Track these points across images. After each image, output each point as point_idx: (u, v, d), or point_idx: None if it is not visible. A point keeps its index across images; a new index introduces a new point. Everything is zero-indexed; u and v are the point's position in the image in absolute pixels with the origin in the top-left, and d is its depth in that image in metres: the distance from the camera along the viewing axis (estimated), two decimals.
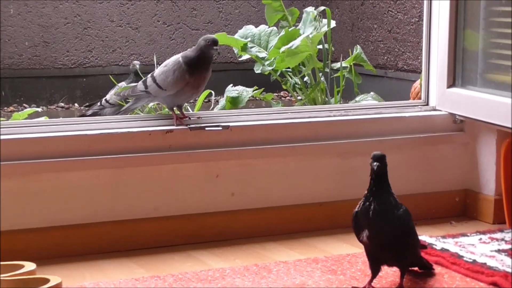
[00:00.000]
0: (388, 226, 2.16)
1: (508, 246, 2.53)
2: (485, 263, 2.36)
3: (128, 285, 2.26)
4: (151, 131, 2.65)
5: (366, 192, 2.20)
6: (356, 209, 2.21)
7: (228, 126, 2.72)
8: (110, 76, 4.29)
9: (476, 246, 2.54)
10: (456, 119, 2.94)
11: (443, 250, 2.48)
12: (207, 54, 2.67)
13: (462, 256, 2.42)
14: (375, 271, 2.22)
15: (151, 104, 3.62)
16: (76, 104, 4.89)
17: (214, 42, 2.65)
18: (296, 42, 3.67)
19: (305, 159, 2.81)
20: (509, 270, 2.31)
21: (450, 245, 2.53)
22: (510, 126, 2.70)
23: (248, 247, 2.61)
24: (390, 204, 2.19)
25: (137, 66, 4.30)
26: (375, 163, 2.18)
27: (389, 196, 2.20)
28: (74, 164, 2.55)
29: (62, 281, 2.04)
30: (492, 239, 2.61)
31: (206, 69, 2.70)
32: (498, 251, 2.49)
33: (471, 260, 2.39)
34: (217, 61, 5.26)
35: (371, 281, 2.22)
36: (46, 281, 2.01)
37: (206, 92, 3.62)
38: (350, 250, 2.56)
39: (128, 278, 2.32)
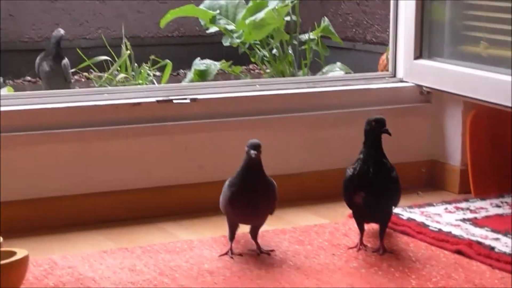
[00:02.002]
0: (386, 188, 2.27)
1: (473, 215, 2.57)
2: (450, 232, 2.39)
3: (96, 257, 2.26)
4: (118, 104, 2.64)
5: (361, 156, 2.28)
6: (351, 173, 2.28)
7: (196, 98, 2.72)
8: (78, 49, 4.25)
9: (442, 215, 2.57)
10: (423, 90, 2.96)
11: (409, 219, 2.50)
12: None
13: (428, 225, 2.45)
14: (362, 229, 2.33)
15: (119, 77, 3.61)
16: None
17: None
18: (260, 15, 3.66)
19: (273, 131, 2.82)
20: (473, 238, 2.34)
21: (416, 214, 2.56)
22: (476, 97, 2.73)
23: (216, 219, 2.60)
24: (387, 167, 2.27)
25: (61, 32, 3.97)
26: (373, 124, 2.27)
27: (384, 159, 2.29)
28: (41, 138, 2.54)
29: (29, 254, 2.03)
30: (457, 208, 2.64)
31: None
32: (463, 220, 2.52)
33: (436, 229, 2.42)
34: (185, 34, 5.23)
35: (361, 238, 2.32)
36: (13, 254, 2.00)
37: (169, 64, 3.62)
38: (317, 221, 2.58)
39: (96, 250, 2.32)
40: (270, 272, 2.16)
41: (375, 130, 2.28)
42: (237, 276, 2.13)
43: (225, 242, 2.38)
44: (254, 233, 2.31)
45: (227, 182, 2.30)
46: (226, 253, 2.28)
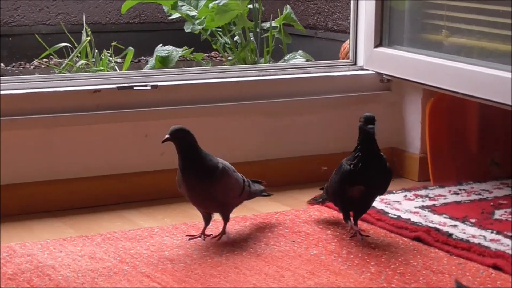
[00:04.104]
0: (384, 182, 2.32)
1: (431, 202, 2.59)
2: (409, 219, 2.42)
3: (56, 245, 2.25)
4: (78, 91, 2.62)
5: (358, 153, 2.28)
6: (350, 168, 2.28)
7: (157, 85, 2.71)
8: (37, 35, 4.21)
9: (401, 202, 2.59)
10: (383, 78, 2.98)
11: None
12: None
13: (387, 213, 2.47)
14: (349, 218, 2.36)
15: (79, 64, 3.58)
16: (2, 64, 4.79)
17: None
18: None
19: (234, 118, 2.82)
20: (431, 225, 2.36)
21: (376, 202, 2.56)
22: (435, 85, 2.75)
23: (177, 206, 2.62)
24: (384, 160, 2.31)
25: None
26: (370, 126, 2.26)
27: (380, 153, 2.31)
28: (1, 124, 2.51)
29: None
30: (416, 195, 2.67)
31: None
32: (422, 207, 2.55)
33: (395, 216, 2.44)
34: (147, 21, 5.21)
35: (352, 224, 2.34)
36: None
37: (131, 51, 3.60)
38: (278, 208, 2.59)
39: (56, 238, 2.31)
40: (230, 259, 2.16)
41: (363, 126, 2.29)
42: (198, 263, 2.13)
43: (186, 230, 2.38)
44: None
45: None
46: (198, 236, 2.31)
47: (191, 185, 2.26)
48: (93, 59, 3.75)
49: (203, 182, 2.25)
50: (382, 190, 2.34)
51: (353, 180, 2.28)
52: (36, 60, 4.05)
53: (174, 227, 2.40)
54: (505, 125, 2.92)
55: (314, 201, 2.53)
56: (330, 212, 2.51)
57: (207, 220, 2.32)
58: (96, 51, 3.79)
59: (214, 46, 4.07)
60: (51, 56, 4.14)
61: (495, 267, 2.10)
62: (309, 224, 2.43)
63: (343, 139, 2.97)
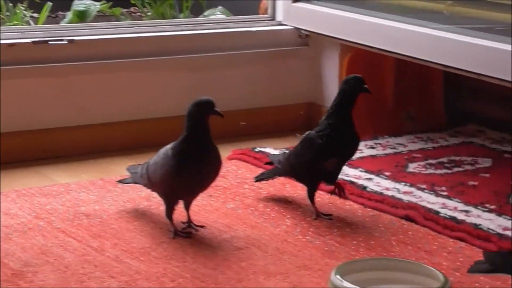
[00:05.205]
0: (353, 149, 2.18)
1: None
2: None
3: None
4: None
5: (330, 120, 2.13)
6: (322, 140, 2.12)
7: (73, 40, 2.67)
8: None
9: None
10: (301, 33, 3.00)
11: None
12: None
13: None
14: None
15: None
16: None
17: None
18: None
19: (153, 73, 2.80)
20: (347, 178, 2.40)
21: None
22: (352, 40, 2.78)
23: (95, 162, 2.60)
24: (355, 129, 2.15)
25: None
26: (365, 86, 2.10)
27: (352, 121, 2.15)
28: None
29: None
30: None
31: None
32: None
33: None
34: None
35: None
36: None
37: (48, 5, 3.53)
38: None
39: None
40: (146, 214, 2.17)
41: (354, 89, 2.12)
42: (114, 218, 2.13)
43: (103, 185, 2.36)
44: (188, 205, 2.08)
45: (168, 150, 2.01)
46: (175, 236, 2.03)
47: (208, 168, 2.00)
48: (7, 13, 3.67)
49: (217, 164, 2.02)
50: (350, 157, 2.22)
51: (327, 153, 2.13)
52: None
53: (91, 183, 2.38)
54: (420, 80, 2.98)
55: (261, 179, 2.33)
56: (247, 166, 2.53)
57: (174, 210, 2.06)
58: (11, 4, 3.70)
59: (132, 1, 4.01)
60: None
61: (407, 218, 2.16)
62: (226, 179, 2.44)
63: (262, 94, 2.99)
